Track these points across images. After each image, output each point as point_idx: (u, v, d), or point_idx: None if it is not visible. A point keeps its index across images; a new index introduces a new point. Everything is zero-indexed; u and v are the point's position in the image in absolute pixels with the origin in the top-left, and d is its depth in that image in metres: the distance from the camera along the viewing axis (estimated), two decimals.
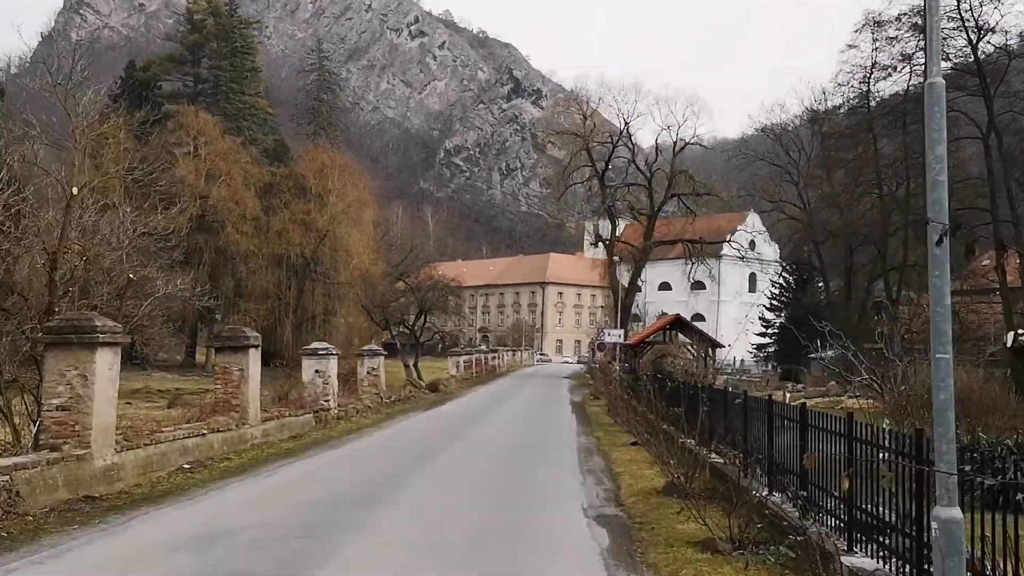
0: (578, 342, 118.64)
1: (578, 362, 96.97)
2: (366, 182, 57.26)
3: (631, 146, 54.20)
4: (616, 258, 51.21)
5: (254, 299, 52.82)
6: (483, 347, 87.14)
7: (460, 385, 39.57)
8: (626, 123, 53.35)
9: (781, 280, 67.94)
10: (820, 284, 63.35)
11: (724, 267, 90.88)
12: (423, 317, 48.08)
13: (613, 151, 53.44)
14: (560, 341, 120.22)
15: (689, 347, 36.37)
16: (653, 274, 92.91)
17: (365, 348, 26.95)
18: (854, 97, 40.86)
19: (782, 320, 67.02)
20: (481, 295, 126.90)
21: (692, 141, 52.29)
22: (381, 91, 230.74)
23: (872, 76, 39.95)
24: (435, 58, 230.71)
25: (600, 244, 57.24)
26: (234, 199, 51.64)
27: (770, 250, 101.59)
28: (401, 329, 48.54)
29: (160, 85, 61.73)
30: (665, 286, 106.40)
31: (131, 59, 65.84)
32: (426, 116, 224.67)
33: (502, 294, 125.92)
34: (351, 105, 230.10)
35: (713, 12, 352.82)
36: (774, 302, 68.16)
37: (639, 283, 51.27)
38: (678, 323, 34.74)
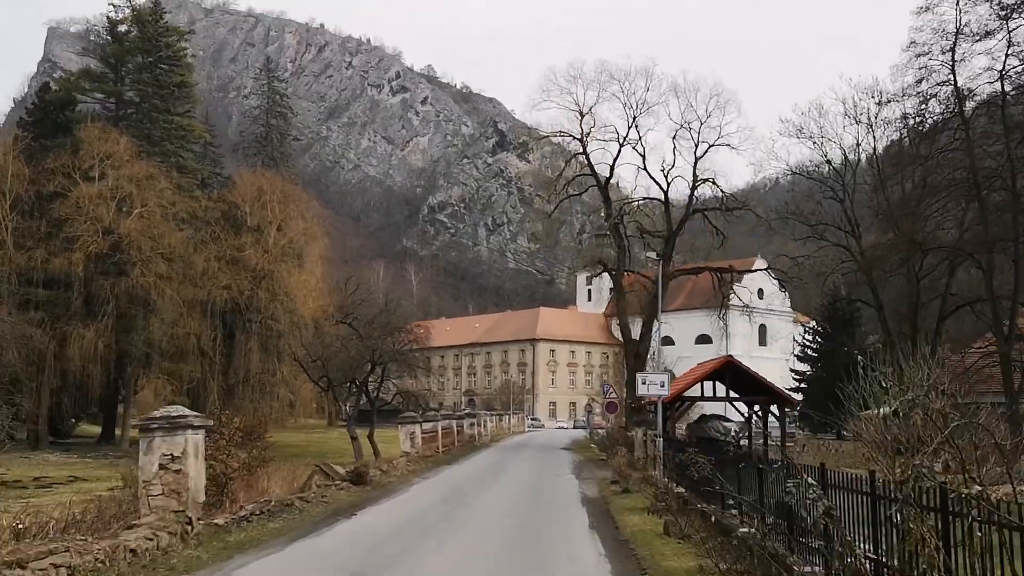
0: (573, 404, 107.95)
1: (575, 427, 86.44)
2: (315, 212, 47.32)
3: (641, 149, 43.49)
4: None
5: (174, 356, 42.56)
6: (467, 411, 76.36)
7: (412, 468, 26.23)
8: (634, 118, 42.93)
9: (815, 325, 58.18)
10: (864, 328, 53.73)
11: (730, 318, 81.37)
12: (380, 374, 37.44)
13: (619, 152, 42.72)
14: (554, 404, 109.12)
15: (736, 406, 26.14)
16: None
17: (157, 415, 11.80)
18: (936, 71, 31.18)
19: (812, 372, 57.24)
20: (466, 355, 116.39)
21: (718, 142, 41.69)
22: (362, 149, 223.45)
23: (957, 44, 30.50)
24: (417, 113, 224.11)
25: (604, 275, 45.32)
26: (149, 234, 41.60)
27: (780, 299, 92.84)
28: (352, 390, 37.85)
29: (76, 108, 52.23)
30: (667, 341, 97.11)
31: (46, 81, 56.59)
32: (409, 173, 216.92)
33: (489, 353, 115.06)
34: (331, 164, 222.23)
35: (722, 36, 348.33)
36: (807, 350, 58.21)
37: (657, 321, 39.81)
38: (729, 367, 23.62)
